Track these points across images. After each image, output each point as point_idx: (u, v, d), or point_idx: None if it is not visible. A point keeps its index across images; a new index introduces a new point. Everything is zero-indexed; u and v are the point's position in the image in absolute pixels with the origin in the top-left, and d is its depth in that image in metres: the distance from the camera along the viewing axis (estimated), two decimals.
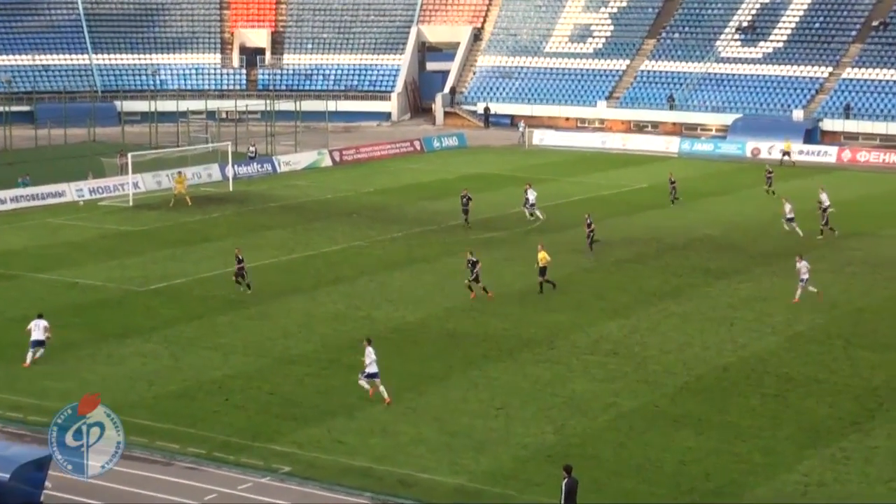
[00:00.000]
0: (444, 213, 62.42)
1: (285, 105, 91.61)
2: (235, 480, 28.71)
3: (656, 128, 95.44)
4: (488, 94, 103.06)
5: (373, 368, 33.60)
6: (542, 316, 42.67)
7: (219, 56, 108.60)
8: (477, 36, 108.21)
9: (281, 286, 46.77)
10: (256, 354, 38.03)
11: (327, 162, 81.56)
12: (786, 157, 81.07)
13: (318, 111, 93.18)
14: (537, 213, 60.90)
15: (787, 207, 56.81)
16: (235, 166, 74.69)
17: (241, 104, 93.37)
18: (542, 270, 45.74)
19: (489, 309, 43.47)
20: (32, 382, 35.10)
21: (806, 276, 44.33)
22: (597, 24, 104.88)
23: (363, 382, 33.85)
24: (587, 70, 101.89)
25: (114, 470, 28.89)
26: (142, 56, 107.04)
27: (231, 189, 70.66)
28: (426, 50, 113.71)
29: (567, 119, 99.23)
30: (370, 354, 33.67)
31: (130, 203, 65.36)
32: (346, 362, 37.14)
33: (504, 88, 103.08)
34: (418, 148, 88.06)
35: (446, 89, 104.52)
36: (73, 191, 67.08)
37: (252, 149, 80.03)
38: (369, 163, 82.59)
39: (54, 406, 32.75)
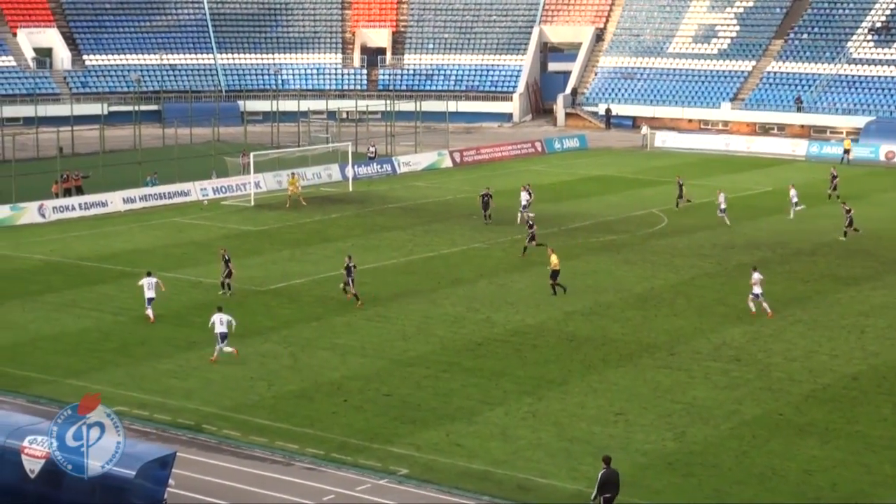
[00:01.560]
0: (564, 215, 62.25)
1: (406, 105, 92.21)
2: (353, 481, 28.94)
3: (783, 130, 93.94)
4: (610, 95, 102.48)
5: (221, 329, 37.13)
6: (662, 321, 42.28)
7: (340, 56, 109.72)
8: (599, 36, 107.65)
9: (399, 288, 47.04)
10: (374, 356, 38.30)
11: (447, 163, 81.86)
12: (845, 156, 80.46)
13: (439, 112, 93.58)
14: (529, 215, 60.51)
15: (721, 197, 59.87)
16: (355, 167, 75.35)
17: (362, 104, 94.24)
18: (554, 274, 45.52)
19: (609, 313, 43.21)
20: (157, 381, 35.82)
21: (758, 291, 42.68)
22: (722, 25, 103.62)
23: (227, 349, 37.27)
24: (711, 71, 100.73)
25: (235, 469, 29.41)
26: (265, 56, 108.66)
27: (351, 189, 71.31)
28: (548, 50, 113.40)
29: (690, 121, 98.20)
30: (214, 319, 37.34)
31: (252, 203, 66.37)
32: (465, 365, 37.22)
33: (626, 89, 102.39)
34: (539, 149, 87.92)
35: (568, 90, 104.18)
36: (197, 190, 68.40)
37: (372, 149, 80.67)
38: (490, 164, 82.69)
39: (178, 405, 33.51)
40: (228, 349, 37.39)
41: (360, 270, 49.80)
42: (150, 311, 41.99)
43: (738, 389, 35.10)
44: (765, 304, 42.76)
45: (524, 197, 60.66)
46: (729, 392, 34.87)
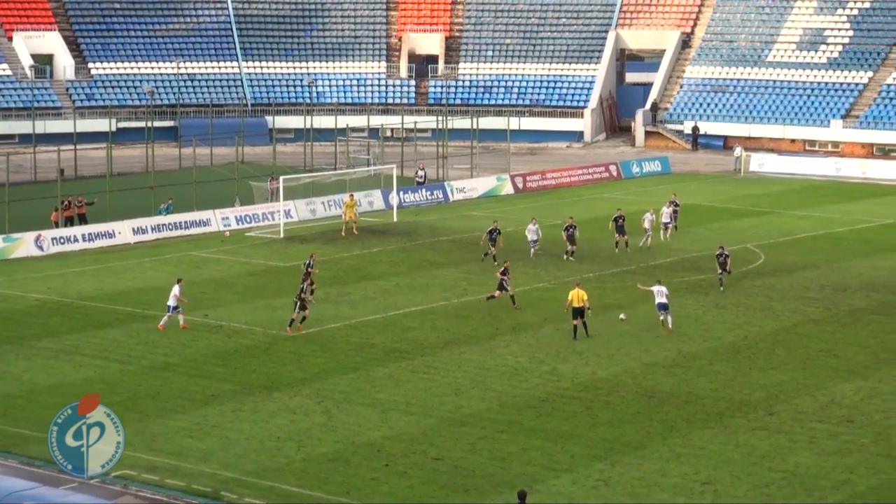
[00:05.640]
0: (643, 250, 62.20)
1: (460, 122, 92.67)
2: None
3: None
4: (698, 111, 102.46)
5: None
6: (758, 375, 42.19)
7: (384, 65, 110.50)
8: (685, 42, 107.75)
9: (451, 334, 47.18)
10: (421, 413, 38.44)
11: (508, 189, 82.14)
12: None
13: (499, 129, 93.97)
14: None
15: (664, 211, 65.18)
16: (401, 193, 75.77)
17: (409, 120, 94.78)
18: (578, 311, 45.84)
19: (695, 365, 43.16)
20: (170, 440, 36.14)
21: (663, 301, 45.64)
22: (832, 29, 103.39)
23: None
24: (819, 84, 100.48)
25: None
26: (297, 64, 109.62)
27: (395, 219, 71.70)
28: (625, 59, 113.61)
29: (793, 141, 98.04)
30: None
31: (281, 234, 66.87)
32: (526, 425, 37.31)
33: (717, 104, 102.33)
34: (614, 174, 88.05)
35: (648, 105, 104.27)
36: (218, 219, 69.02)
37: (420, 173, 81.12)
38: (557, 190, 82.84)
39: (194, 468, 33.79)
40: None
41: (405, 314, 50.08)
42: (165, 319, 47.32)
43: (849, 456, 34.92)
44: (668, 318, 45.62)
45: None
46: (838, 458, 34.71)
